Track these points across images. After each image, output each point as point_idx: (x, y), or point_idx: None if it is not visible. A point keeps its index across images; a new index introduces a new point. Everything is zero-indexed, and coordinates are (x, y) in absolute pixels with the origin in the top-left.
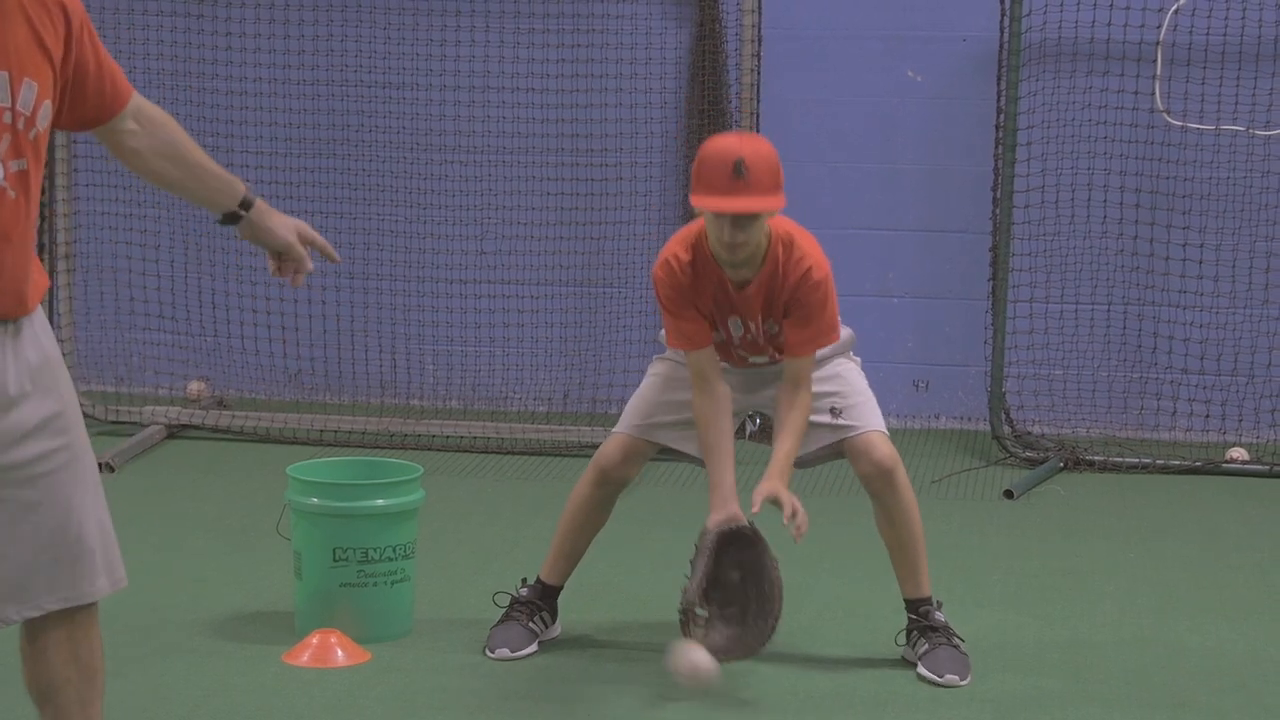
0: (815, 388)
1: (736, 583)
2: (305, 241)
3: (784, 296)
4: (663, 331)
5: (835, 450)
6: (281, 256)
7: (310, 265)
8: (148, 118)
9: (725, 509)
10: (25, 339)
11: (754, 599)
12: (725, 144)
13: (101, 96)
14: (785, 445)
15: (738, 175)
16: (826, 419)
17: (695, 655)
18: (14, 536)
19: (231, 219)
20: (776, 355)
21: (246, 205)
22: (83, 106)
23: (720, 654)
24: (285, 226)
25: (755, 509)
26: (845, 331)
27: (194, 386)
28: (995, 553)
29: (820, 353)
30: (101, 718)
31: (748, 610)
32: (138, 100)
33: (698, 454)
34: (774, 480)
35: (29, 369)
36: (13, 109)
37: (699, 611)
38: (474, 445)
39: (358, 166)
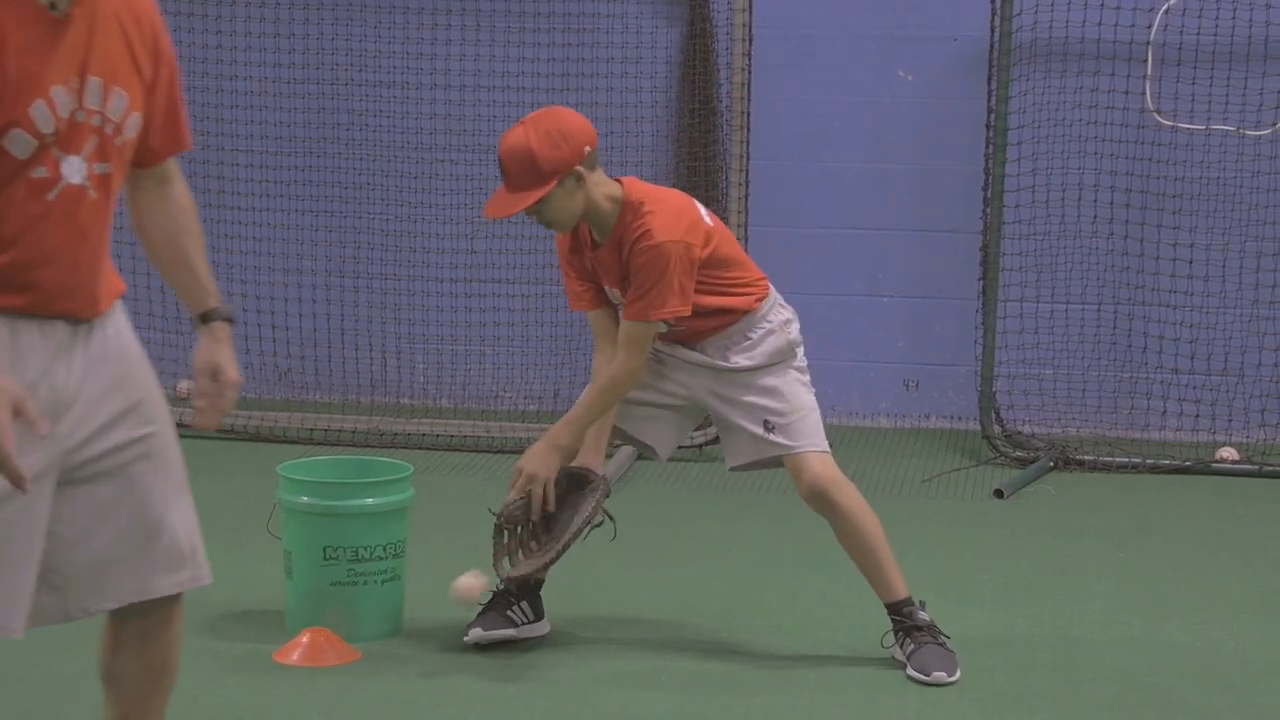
0: (750, 398)
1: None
2: (214, 385)
3: (625, 259)
4: None
5: (774, 461)
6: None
7: (201, 405)
8: (180, 192)
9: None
10: (96, 338)
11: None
12: (503, 138)
13: (163, 133)
14: (575, 409)
15: (502, 174)
16: (759, 431)
17: (464, 578)
18: (92, 530)
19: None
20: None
21: (205, 319)
22: (146, 135)
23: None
24: (205, 355)
25: None
26: (784, 337)
27: (184, 385)
28: (985, 552)
29: (753, 360)
30: (163, 714)
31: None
32: (175, 168)
33: (652, 442)
34: None
35: (98, 366)
36: (103, 113)
37: (503, 538)
38: (464, 444)
39: (348, 165)
